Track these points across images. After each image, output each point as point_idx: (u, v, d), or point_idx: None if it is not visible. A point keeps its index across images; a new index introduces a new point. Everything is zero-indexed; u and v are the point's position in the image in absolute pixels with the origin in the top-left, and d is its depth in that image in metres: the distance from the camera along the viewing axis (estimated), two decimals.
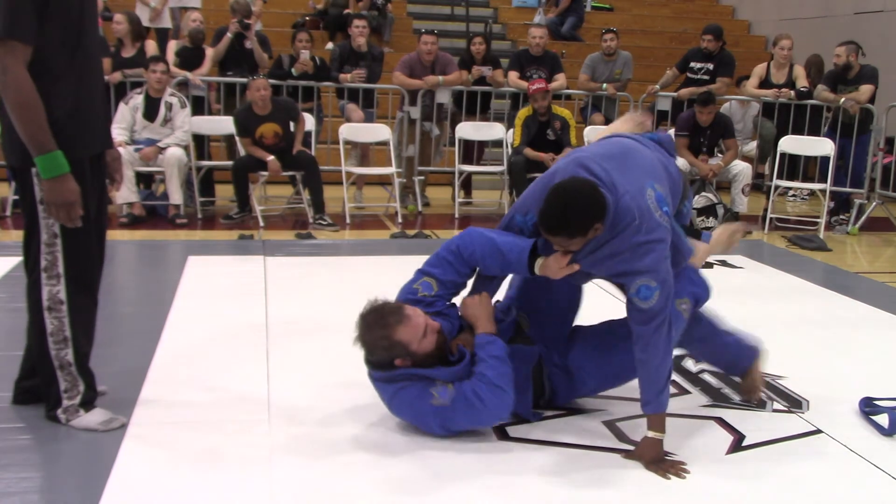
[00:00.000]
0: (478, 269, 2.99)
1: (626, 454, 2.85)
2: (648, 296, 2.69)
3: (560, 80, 7.87)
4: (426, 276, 2.95)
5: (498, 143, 7.87)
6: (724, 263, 5.86)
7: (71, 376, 2.81)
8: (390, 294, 2.96)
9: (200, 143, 7.26)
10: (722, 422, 3.17)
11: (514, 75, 7.90)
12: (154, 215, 6.91)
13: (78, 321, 2.79)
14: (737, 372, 3.39)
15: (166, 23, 9.09)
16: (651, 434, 2.81)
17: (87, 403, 2.87)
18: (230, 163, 7.20)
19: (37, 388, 2.93)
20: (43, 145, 2.54)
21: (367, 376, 2.96)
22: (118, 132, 6.63)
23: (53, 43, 2.59)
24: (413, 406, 2.86)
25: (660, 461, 2.77)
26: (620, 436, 3.01)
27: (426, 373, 2.83)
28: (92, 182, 2.78)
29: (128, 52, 7.27)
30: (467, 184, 7.99)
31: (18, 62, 2.49)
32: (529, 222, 2.87)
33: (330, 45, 9.90)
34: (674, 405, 3.30)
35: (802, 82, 7.95)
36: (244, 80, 7.28)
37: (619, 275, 2.82)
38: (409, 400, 2.85)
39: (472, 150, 7.95)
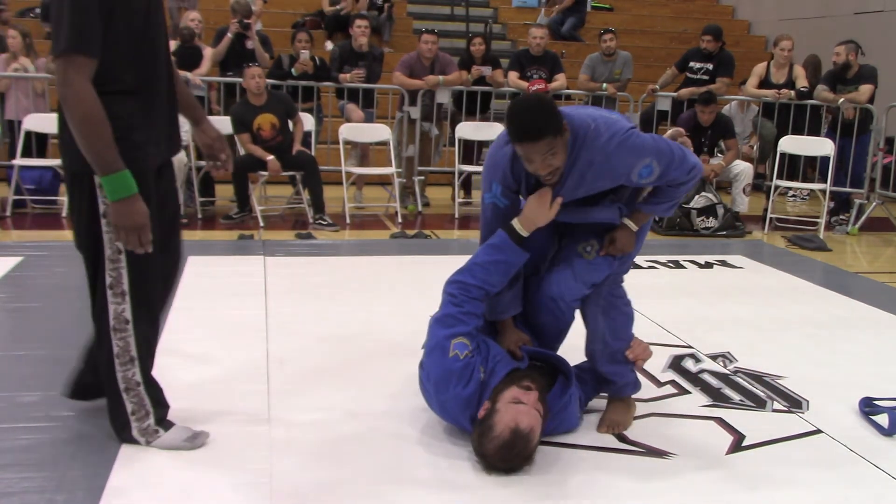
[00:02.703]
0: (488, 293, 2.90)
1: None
2: (649, 173, 2.77)
3: (560, 80, 7.87)
4: (455, 338, 2.81)
5: None
6: (724, 264, 5.86)
7: (137, 397, 2.67)
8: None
9: None
10: (722, 422, 3.17)
11: (514, 75, 7.90)
12: None
13: (143, 340, 2.65)
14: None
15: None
16: (629, 223, 2.93)
17: (163, 420, 2.74)
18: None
19: (95, 386, 2.83)
20: (109, 164, 2.36)
21: None
22: None
23: (118, 54, 2.44)
24: (568, 423, 2.99)
25: (625, 245, 2.93)
26: (621, 436, 3.01)
27: (563, 402, 2.92)
28: (157, 194, 2.61)
29: None
30: (467, 184, 7.99)
31: (82, 76, 2.33)
32: (497, 192, 2.85)
33: (329, 45, 9.91)
34: (674, 405, 3.32)
35: (802, 82, 7.95)
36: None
37: (612, 181, 2.81)
38: (564, 428, 2.97)
39: (472, 151, 7.95)
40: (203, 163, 7.11)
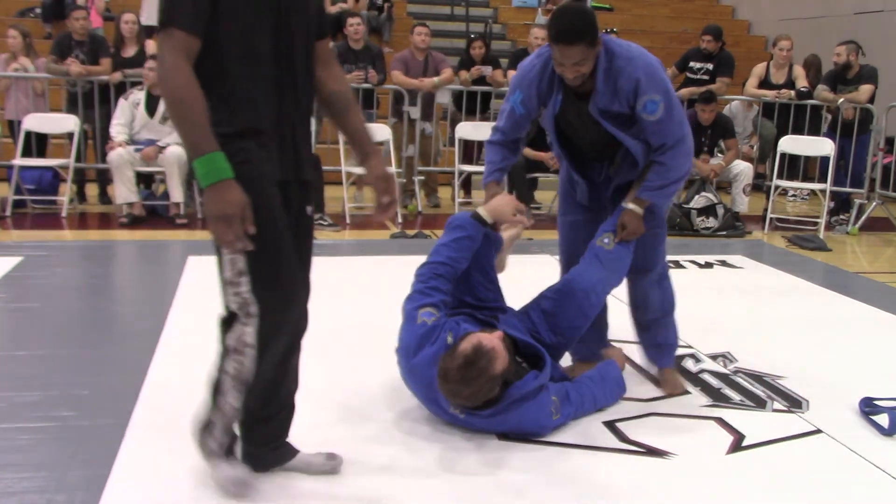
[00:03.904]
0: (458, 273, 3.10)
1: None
2: (654, 110, 2.97)
3: None
4: (422, 308, 2.98)
5: None
6: (724, 264, 5.86)
7: (225, 420, 2.39)
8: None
9: None
10: (722, 422, 3.17)
11: (513, 74, 7.88)
12: (154, 215, 6.92)
13: (261, 372, 2.33)
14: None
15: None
16: (632, 206, 3.16)
17: (231, 452, 2.48)
18: None
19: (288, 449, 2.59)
20: (198, 145, 2.09)
21: (462, 421, 2.93)
22: (117, 130, 6.66)
23: (229, 41, 2.17)
24: (539, 422, 2.94)
25: (634, 229, 3.16)
26: (621, 436, 3.01)
27: (533, 388, 2.89)
28: (286, 212, 2.28)
29: (129, 52, 7.28)
30: (467, 184, 7.99)
31: (177, 52, 2.08)
32: (518, 99, 3.14)
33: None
34: (674, 405, 3.32)
35: (802, 82, 7.95)
36: None
37: (629, 96, 2.98)
38: (534, 418, 2.93)
39: (472, 150, 7.95)
40: None
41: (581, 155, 3.32)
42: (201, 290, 4.69)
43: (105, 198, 7.46)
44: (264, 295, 2.23)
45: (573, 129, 3.22)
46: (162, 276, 5.14)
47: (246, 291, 2.21)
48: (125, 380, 3.33)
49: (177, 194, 6.69)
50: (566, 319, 3.20)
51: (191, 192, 6.99)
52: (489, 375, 2.73)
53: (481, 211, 3.12)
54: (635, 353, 3.65)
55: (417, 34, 7.63)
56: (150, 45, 7.47)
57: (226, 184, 2.08)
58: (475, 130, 7.77)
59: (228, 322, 2.28)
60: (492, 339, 2.79)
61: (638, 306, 3.49)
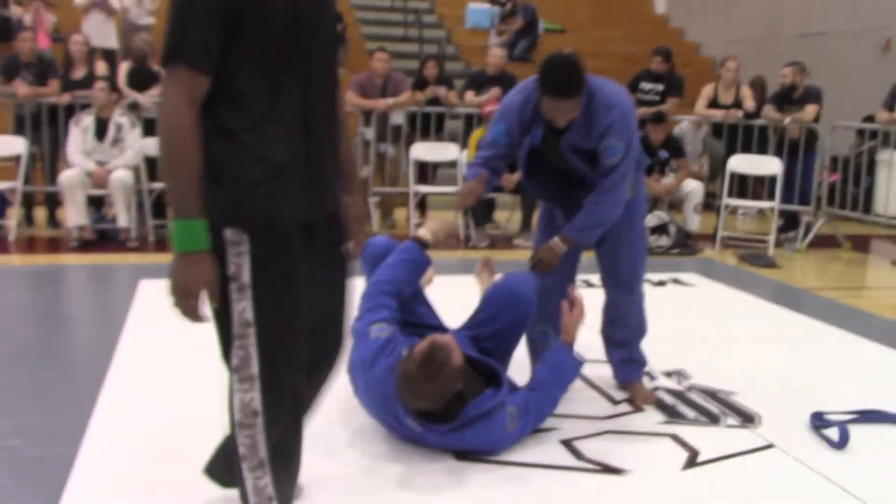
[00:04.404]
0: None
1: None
2: (615, 153, 3.11)
3: None
4: (373, 324, 3.00)
5: (452, 164, 7.90)
6: (676, 281, 5.93)
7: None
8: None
9: (153, 165, 7.19)
10: (677, 438, 3.20)
11: (470, 94, 7.94)
12: (105, 239, 6.81)
13: (277, 440, 2.06)
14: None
15: (112, 43, 9.01)
16: (556, 241, 3.27)
17: None
18: None
19: (229, 480, 2.35)
20: (182, 206, 1.85)
21: (419, 436, 2.92)
22: (77, 157, 6.55)
23: (249, 74, 1.91)
24: (494, 439, 2.95)
25: (549, 263, 3.29)
26: (578, 454, 3.02)
27: (491, 407, 2.89)
28: (308, 254, 2.04)
29: (78, 74, 7.19)
30: (423, 205, 8.00)
31: (181, 94, 1.84)
32: (501, 130, 3.23)
33: None
34: (629, 422, 3.34)
35: (749, 102, 8.11)
36: None
37: (599, 136, 3.12)
38: (490, 436, 2.93)
39: (427, 171, 7.97)
40: (156, 185, 7.06)
41: (556, 185, 3.41)
42: (154, 314, 4.63)
43: (54, 221, 7.33)
44: (267, 349, 1.99)
45: (549, 160, 3.32)
46: (113, 301, 5.06)
47: (252, 345, 1.98)
48: (75, 408, 3.26)
49: (123, 219, 6.60)
50: (504, 322, 3.26)
51: (142, 214, 6.90)
52: (450, 369, 2.75)
53: (422, 232, 3.20)
54: (592, 370, 3.67)
55: (378, 60, 7.65)
56: (100, 67, 7.40)
57: (198, 256, 1.87)
58: (430, 151, 7.79)
59: (230, 389, 2.03)
60: (444, 337, 2.85)
61: (615, 323, 3.56)
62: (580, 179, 3.30)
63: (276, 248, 1.96)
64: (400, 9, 13.17)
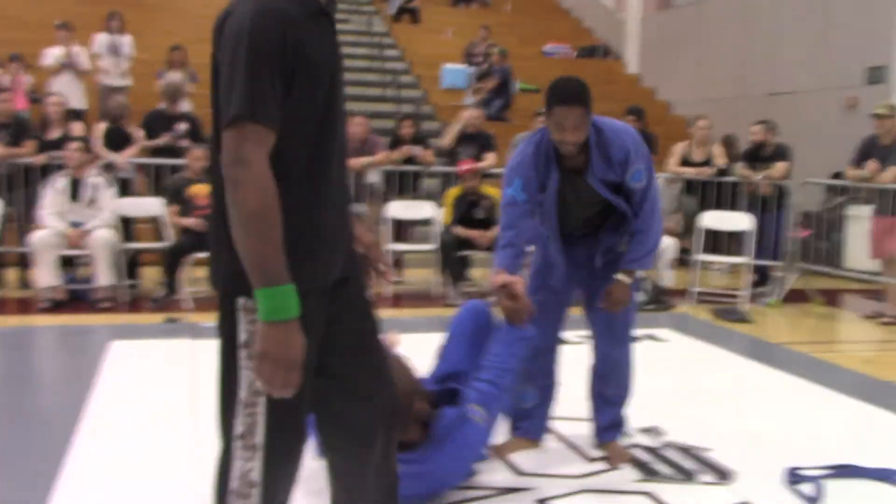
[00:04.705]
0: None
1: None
2: (640, 177, 3.18)
3: (489, 159, 8.01)
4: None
5: (427, 222, 7.94)
6: (651, 337, 5.95)
7: None
8: None
9: (127, 226, 7.17)
10: (652, 496, 3.17)
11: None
12: (76, 299, 6.74)
13: None
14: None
15: (81, 104, 9.06)
16: (622, 277, 3.28)
17: None
18: (158, 244, 7.11)
19: None
20: (273, 275, 1.74)
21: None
22: (53, 219, 6.52)
23: (292, 133, 1.84)
24: (476, 445, 3.06)
25: (625, 300, 3.31)
26: None
27: (450, 422, 2.96)
28: (319, 321, 1.96)
29: (54, 134, 7.20)
30: (399, 263, 8.01)
31: (261, 154, 1.74)
32: (518, 186, 3.22)
33: None
34: (605, 481, 3.31)
35: (721, 160, 8.25)
36: (174, 161, 7.28)
37: (621, 165, 3.17)
38: (466, 438, 2.98)
39: (403, 230, 8.00)
40: (130, 245, 7.04)
41: (569, 234, 3.38)
42: (124, 376, 4.57)
43: (25, 282, 7.27)
44: (275, 421, 1.90)
45: (568, 206, 3.29)
46: (83, 363, 4.98)
47: (261, 414, 1.88)
48: (39, 474, 3.19)
49: (104, 279, 6.55)
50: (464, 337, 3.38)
51: (116, 274, 6.85)
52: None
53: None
54: (567, 427, 3.65)
55: (356, 124, 7.73)
56: (76, 128, 7.41)
57: (293, 324, 1.77)
58: (406, 210, 7.83)
59: (228, 456, 1.93)
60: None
61: (608, 379, 3.53)
62: (597, 221, 3.33)
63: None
64: (377, 69, 13.35)
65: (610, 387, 3.54)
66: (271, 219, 1.75)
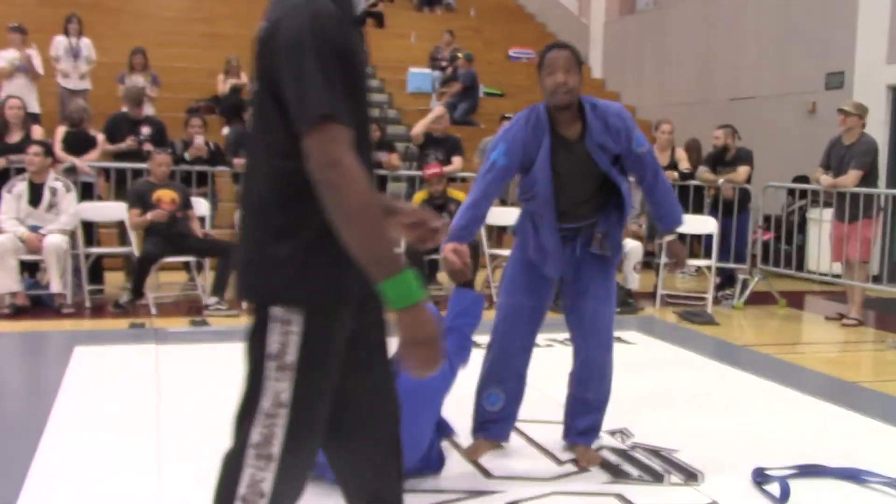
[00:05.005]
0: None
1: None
2: (642, 142, 3.33)
3: (456, 163, 8.01)
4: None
5: None
6: (618, 340, 5.98)
7: None
8: None
9: (89, 230, 7.07)
10: (622, 498, 3.19)
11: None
12: (39, 305, 6.63)
13: None
14: None
15: (35, 107, 8.92)
16: (671, 237, 3.57)
17: None
18: (122, 249, 7.03)
19: None
20: (390, 265, 1.72)
21: None
22: (11, 224, 6.40)
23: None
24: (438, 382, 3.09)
25: (685, 256, 3.69)
26: None
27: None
28: (343, 338, 1.90)
29: (13, 138, 7.08)
30: None
31: (350, 152, 1.72)
32: (501, 150, 3.25)
33: (226, 130, 9.88)
34: (574, 483, 3.33)
35: (684, 164, 8.33)
36: (137, 165, 7.21)
37: (617, 138, 3.27)
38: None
39: None
40: (92, 249, 6.94)
41: (563, 212, 3.32)
42: (88, 383, 4.50)
43: None
44: (295, 432, 1.86)
45: (562, 181, 3.26)
46: (45, 369, 4.91)
47: (280, 426, 1.84)
48: (4, 482, 3.13)
49: (56, 285, 6.44)
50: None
51: (78, 280, 6.76)
52: None
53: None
54: (535, 430, 3.66)
55: None
56: (36, 131, 7.30)
57: (420, 306, 1.74)
58: None
59: (239, 463, 1.88)
60: None
61: (590, 383, 3.51)
62: (592, 195, 3.36)
63: (331, 331, 1.84)
64: None
65: (591, 390, 3.52)
66: (373, 213, 1.73)
